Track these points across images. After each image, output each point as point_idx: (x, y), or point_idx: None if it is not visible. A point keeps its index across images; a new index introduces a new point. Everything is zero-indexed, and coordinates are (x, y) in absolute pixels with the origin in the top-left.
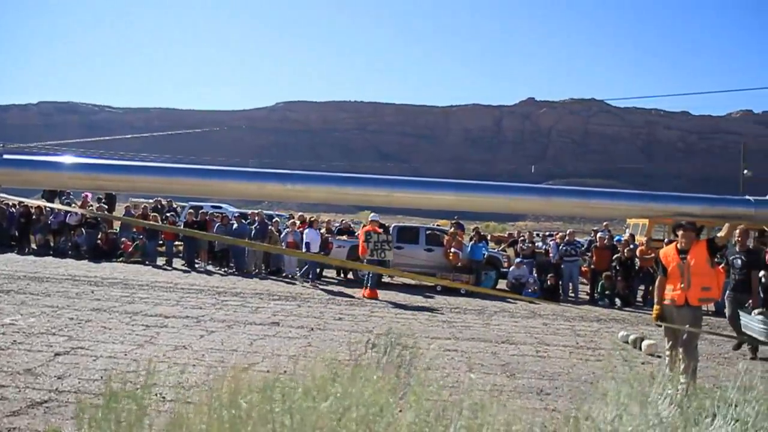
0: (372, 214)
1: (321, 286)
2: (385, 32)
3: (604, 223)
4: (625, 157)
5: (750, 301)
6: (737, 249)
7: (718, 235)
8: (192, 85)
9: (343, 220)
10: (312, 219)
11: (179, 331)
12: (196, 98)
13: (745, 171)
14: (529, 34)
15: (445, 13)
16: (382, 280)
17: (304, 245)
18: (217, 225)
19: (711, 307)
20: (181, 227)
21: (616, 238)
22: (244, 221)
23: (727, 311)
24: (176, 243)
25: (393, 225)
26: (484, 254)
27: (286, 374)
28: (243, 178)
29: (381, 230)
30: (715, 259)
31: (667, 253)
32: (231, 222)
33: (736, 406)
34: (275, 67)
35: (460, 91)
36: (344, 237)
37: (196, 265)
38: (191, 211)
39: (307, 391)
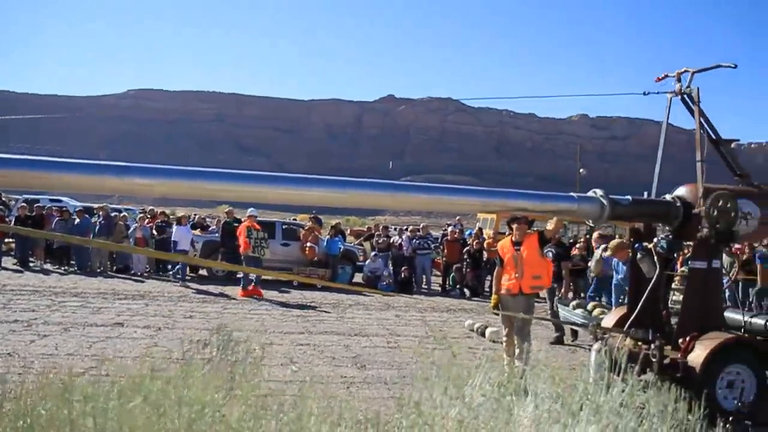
0: (250, 209)
1: (173, 283)
2: (247, 24)
3: (457, 218)
4: (479, 155)
5: (562, 291)
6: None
7: (547, 227)
8: (29, 67)
9: (196, 215)
10: (181, 216)
11: (5, 337)
12: (34, 81)
13: (581, 170)
14: (389, 32)
15: (308, 7)
16: (237, 276)
17: (171, 244)
18: (56, 220)
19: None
20: (11, 223)
21: (468, 231)
22: (87, 216)
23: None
24: (7, 240)
25: None
26: (340, 248)
27: (96, 375)
28: (77, 170)
29: (259, 227)
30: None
31: (504, 245)
32: (72, 217)
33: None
34: (125, 52)
35: (322, 85)
36: (198, 232)
37: (31, 264)
38: (24, 204)
39: (121, 392)
